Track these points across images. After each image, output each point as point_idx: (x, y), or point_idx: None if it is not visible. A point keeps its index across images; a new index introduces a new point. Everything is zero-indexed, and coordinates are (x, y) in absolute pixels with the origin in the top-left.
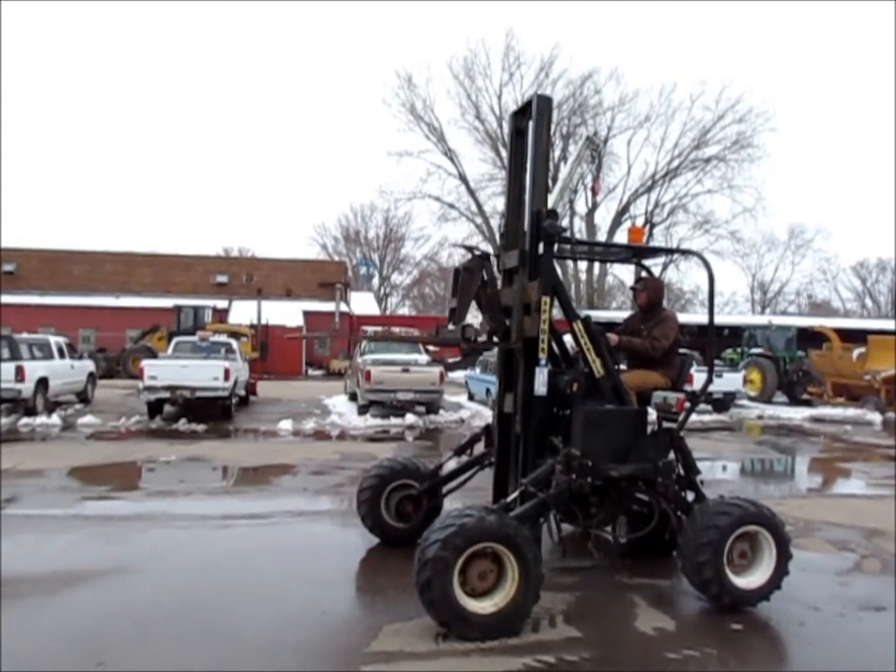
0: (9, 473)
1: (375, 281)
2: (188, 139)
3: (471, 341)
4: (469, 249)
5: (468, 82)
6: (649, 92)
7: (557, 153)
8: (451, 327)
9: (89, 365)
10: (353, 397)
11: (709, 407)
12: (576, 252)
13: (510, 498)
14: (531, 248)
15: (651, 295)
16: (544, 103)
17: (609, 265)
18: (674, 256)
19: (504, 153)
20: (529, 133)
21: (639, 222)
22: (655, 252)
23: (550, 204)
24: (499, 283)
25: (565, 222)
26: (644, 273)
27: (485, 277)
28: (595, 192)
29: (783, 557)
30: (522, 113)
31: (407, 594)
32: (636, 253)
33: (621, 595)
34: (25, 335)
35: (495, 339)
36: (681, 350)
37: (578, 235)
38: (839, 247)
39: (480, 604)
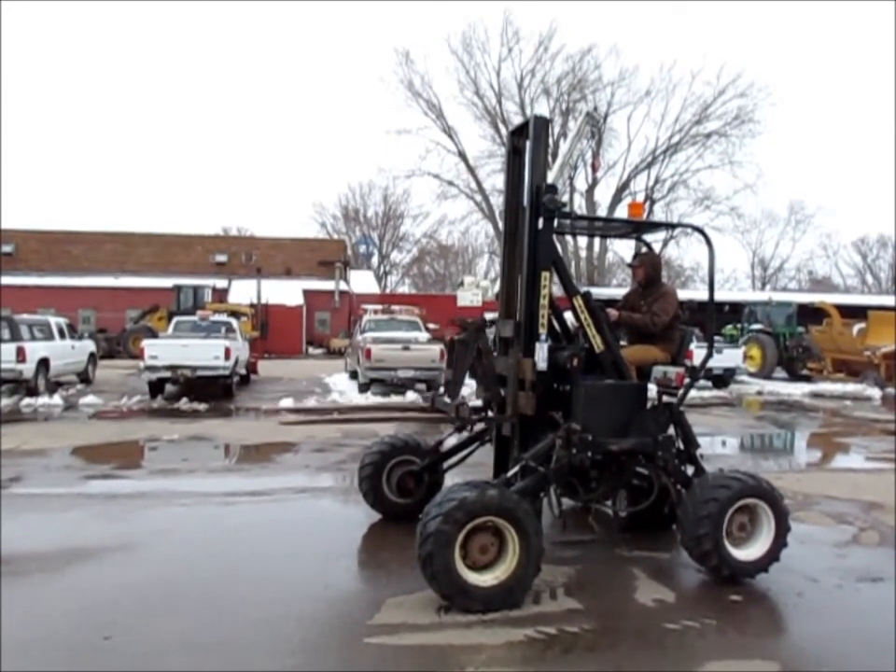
0: (13, 453)
1: (375, 259)
2: (185, 119)
3: (466, 419)
4: (464, 321)
5: (466, 58)
6: (649, 67)
7: (557, 129)
8: (447, 399)
9: (89, 345)
10: (353, 375)
11: (709, 383)
12: (576, 227)
13: (510, 473)
14: (531, 224)
15: (648, 270)
16: (541, 123)
17: (609, 241)
18: (674, 231)
19: (503, 130)
20: (526, 153)
21: (640, 198)
22: (655, 227)
23: (549, 180)
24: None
25: (564, 198)
26: (644, 249)
27: (480, 348)
28: (594, 169)
29: (782, 530)
30: (519, 132)
31: (409, 567)
32: (636, 228)
33: (621, 567)
34: (25, 316)
35: (490, 412)
36: (682, 323)
37: (578, 212)
38: (840, 223)
39: (481, 577)
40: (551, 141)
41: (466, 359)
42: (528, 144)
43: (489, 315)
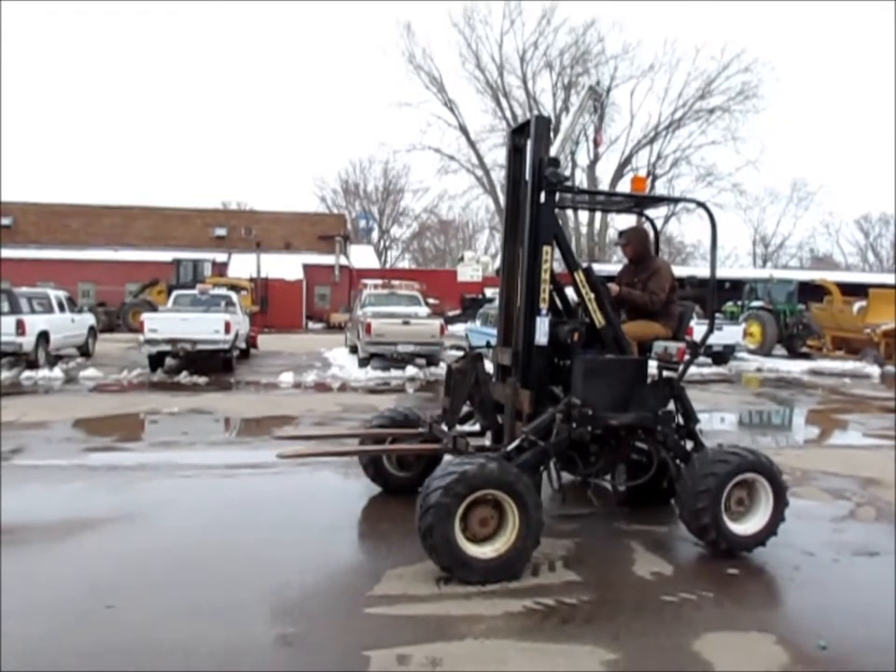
0: (14, 425)
1: (375, 234)
2: (186, 91)
3: (463, 451)
4: (463, 350)
5: (467, 30)
6: (652, 42)
7: (559, 104)
8: (444, 427)
9: (89, 318)
10: (353, 349)
11: (709, 360)
12: (577, 201)
13: (510, 447)
14: (532, 198)
15: (636, 247)
16: (543, 124)
17: (609, 217)
18: (676, 206)
19: (505, 103)
20: (527, 152)
21: (642, 174)
22: (658, 201)
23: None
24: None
25: (566, 173)
26: (646, 223)
27: (478, 376)
28: (597, 143)
29: (780, 504)
30: (520, 131)
31: (409, 539)
32: (638, 202)
33: (619, 540)
34: (25, 289)
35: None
36: (683, 299)
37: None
38: (842, 201)
39: (481, 549)
40: (553, 115)
41: (464, 388)
42: (529, 143)
43: (489, 291)
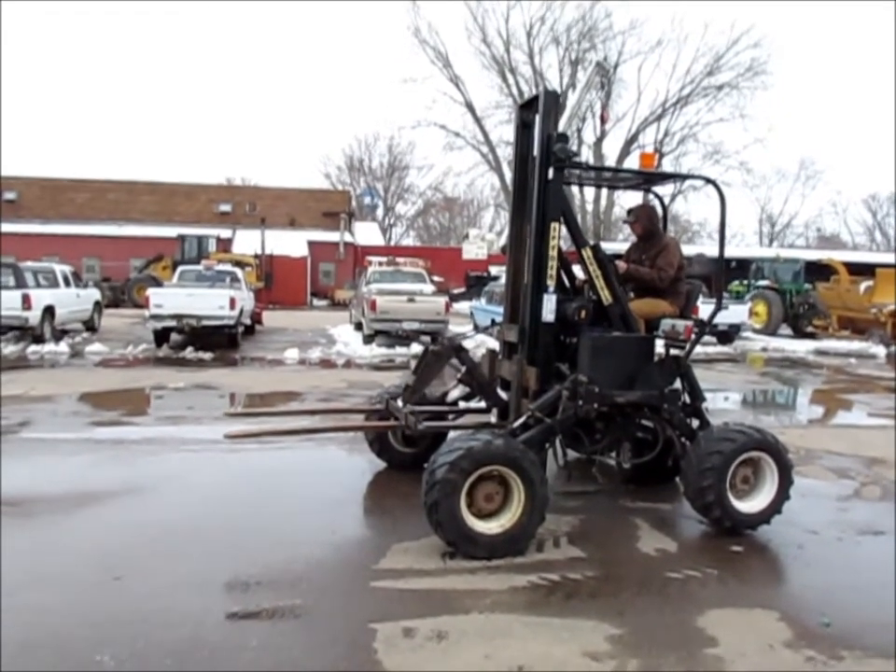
0: (21, 399)
1: (380, 212)
2: (191, 66)
3: (413, 430)
4: (441, 340)
5: (473, 4)
6: (660, 16)
7: (566, 80)
8: (399, 403)
9: (94, 293)
10: (358, 326)
11: (714, 339)
12: (585, 178)
13: (516, 424)
14: (541, 174)
15: (644, 223)
16: (551, 98)
17: (615, 195)
18: (684, 184)
19: (511, 79)
20: (536, 128)
21: (649, 151)
22: (667, 178)
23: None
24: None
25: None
26: (653, 200)
27: (468, 365)
28: (603, 120)
29: (785, 483)
30: (528, 106)
31: (414, 514)
32: (646, 179)
33: (624, 518)
34: (30, 263)
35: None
36: (690, 277)
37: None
38: (850, 180)
39: (486, 525)
40: (560, 90)
41: (432, 371)
42: (538, 118)
43: (494, 269)
